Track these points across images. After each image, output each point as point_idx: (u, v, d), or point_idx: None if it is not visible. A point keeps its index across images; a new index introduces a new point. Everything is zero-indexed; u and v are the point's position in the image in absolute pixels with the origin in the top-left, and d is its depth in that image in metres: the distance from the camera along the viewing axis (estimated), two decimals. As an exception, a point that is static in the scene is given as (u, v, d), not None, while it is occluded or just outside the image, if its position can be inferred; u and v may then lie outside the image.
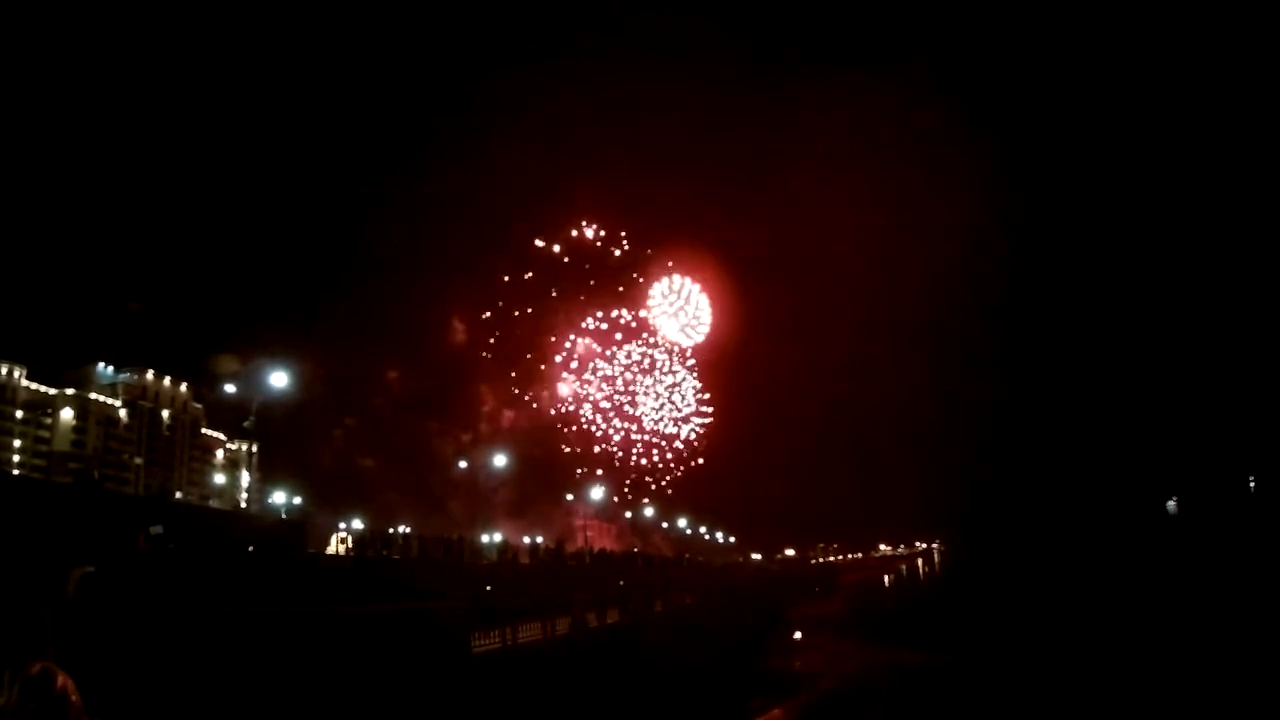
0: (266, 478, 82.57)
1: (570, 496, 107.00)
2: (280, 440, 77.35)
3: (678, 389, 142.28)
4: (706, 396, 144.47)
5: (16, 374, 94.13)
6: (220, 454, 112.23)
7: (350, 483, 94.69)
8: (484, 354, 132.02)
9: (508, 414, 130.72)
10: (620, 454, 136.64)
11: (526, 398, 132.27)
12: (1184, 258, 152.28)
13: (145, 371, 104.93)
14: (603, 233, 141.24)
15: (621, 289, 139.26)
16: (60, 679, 3.15)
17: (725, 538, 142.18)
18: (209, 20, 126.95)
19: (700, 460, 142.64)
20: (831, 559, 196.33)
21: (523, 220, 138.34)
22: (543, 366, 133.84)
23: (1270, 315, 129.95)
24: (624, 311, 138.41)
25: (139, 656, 10.17)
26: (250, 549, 30.86)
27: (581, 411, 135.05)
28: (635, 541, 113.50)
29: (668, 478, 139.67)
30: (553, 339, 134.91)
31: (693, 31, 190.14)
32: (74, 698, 3.15)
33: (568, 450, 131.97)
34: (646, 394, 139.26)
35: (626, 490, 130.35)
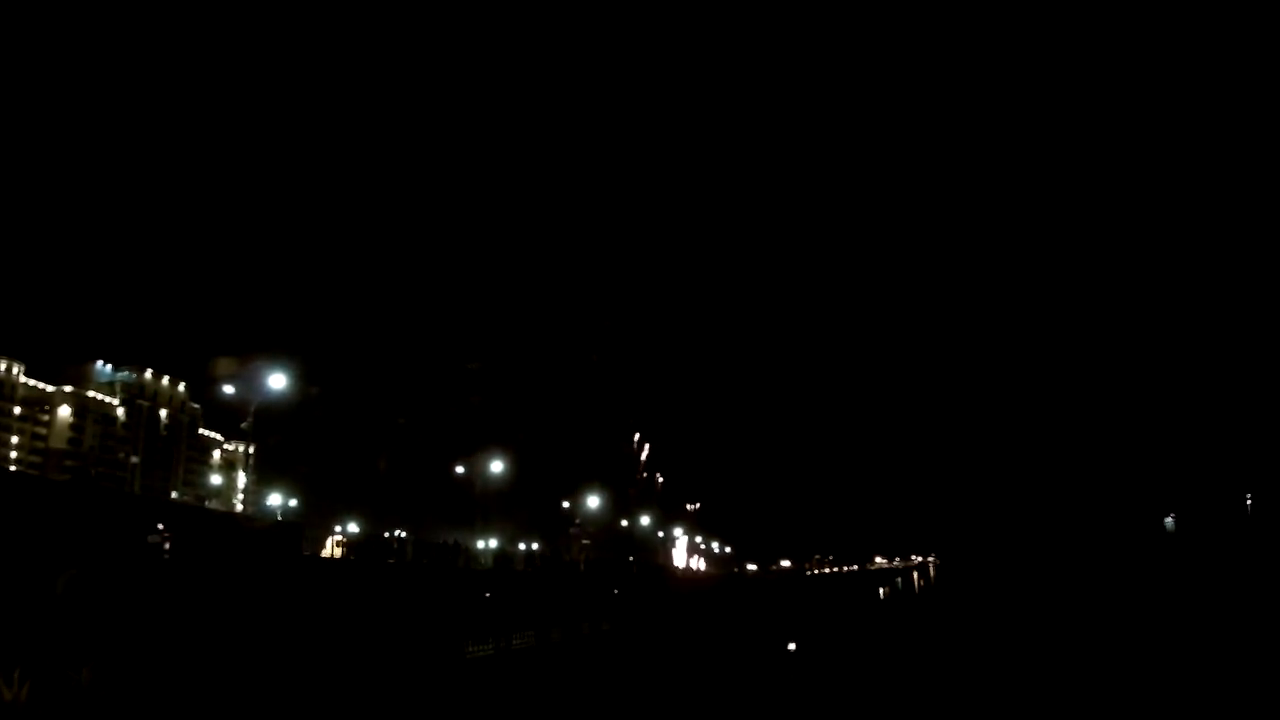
0: (263, 479, 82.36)
1: (566, 504, 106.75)
2: (278, 441, 77.12)
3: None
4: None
5: (15, 370, 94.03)
6: (218, 454, 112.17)
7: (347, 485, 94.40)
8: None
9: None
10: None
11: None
12: (1182, 272, 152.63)
13: (144, 370, 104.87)
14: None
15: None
16: None
17: (721, 548, 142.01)
18: (221, 24, 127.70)
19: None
20: (827, 570, 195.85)
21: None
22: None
23: (1269, 331, 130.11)
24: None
25: (136, 655, 10.20)
26: (246, 551, 30.77)
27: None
28: (629, 551, 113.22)
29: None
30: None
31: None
32: None
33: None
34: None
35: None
